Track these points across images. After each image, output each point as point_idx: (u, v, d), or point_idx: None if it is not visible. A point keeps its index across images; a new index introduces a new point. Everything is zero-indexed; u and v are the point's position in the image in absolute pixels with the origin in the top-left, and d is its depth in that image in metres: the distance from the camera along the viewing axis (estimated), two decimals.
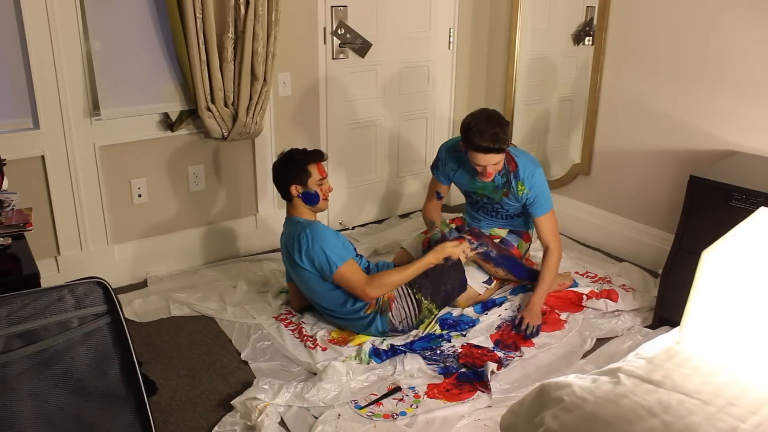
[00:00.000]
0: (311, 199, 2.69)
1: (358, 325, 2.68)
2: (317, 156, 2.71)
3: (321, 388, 2.31)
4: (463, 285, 2.82)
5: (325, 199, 2.74)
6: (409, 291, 2.68)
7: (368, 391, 2.36)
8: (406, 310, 2.66)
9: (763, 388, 1.64)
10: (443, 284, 2.74)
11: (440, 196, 3.13)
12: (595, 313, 2.90)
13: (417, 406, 2.30)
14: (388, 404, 2.30)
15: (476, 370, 2.47)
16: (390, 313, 2.64)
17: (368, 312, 2.64)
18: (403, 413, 2.26)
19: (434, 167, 3.06)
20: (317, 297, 2.69)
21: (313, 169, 2.68)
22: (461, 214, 3.27)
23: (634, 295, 3.01)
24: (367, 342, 2.63)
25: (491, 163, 2.67)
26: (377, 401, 2.31)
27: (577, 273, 3.23)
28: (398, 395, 2.35)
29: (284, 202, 3.53)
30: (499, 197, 2.92)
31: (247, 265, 3.29)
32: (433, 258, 2.69)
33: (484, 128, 2.61)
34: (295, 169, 2.68)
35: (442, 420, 2.24)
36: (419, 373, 2.46)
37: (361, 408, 2.27)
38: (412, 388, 2.38)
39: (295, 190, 2.68)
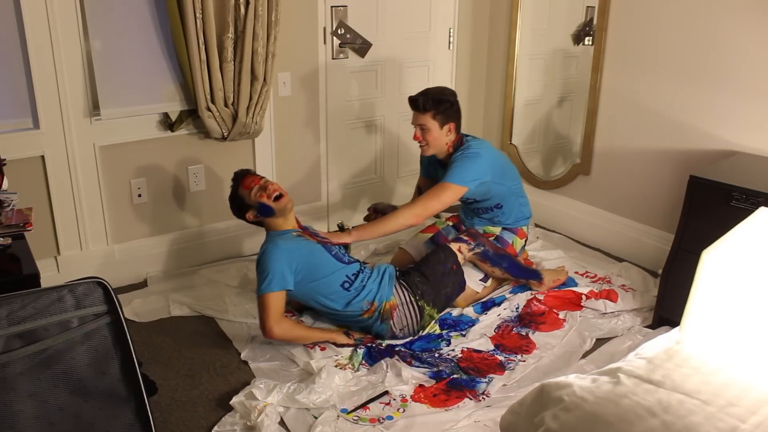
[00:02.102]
0: (267, 211, 2.62)
1: (357, 327, 2.68)
2: (238, 178, 2.69)
3: (312, 390, 2.30)
4: (461, 287, 2.82)
5: (277, 199, 2.61)
6: (412, 298, 2.66)
7: (357, 396, 2.34)
8: (409, 318, 2.65)
9: (763, 388, 1.64)
10: (443, 288, 2.73)
11: (421, 192, 3.17)
12: (595, 313, 2.89)
13: (404, 410, 2.28)
14: (375, 408, 2.28)
15: (476, 380, 2.44)
16: (392, 321, 2.62)
17: (365, 316, 2.62)
18: (390, 417, 2.24)
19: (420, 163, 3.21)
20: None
21: (243, 191, 2.64)
22: (457, 213, 3.29)
23: (633, 295, 3.01)
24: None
25: (416, 122, 2.85)
26: (364, 405, 2.29)
27: (576, 273, 3.23)
28: (385, 399, 2.32)
29: None
30: None
31: (247, 265, 3.29)
32: (342, 339, 2.61)
33: (421, 91, 2.87)
34: (235, 202, 2.70)
35: (422, 426, 2.21)
36: (409, 378, 2.43)
37: (348, 412, 2.25)
38: (401, 393, 2.36)
39: (251, 216, 2.66)
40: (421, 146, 2.90)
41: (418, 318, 2.67)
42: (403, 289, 2.67)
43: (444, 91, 2.88)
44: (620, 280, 3.17)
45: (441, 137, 2.85)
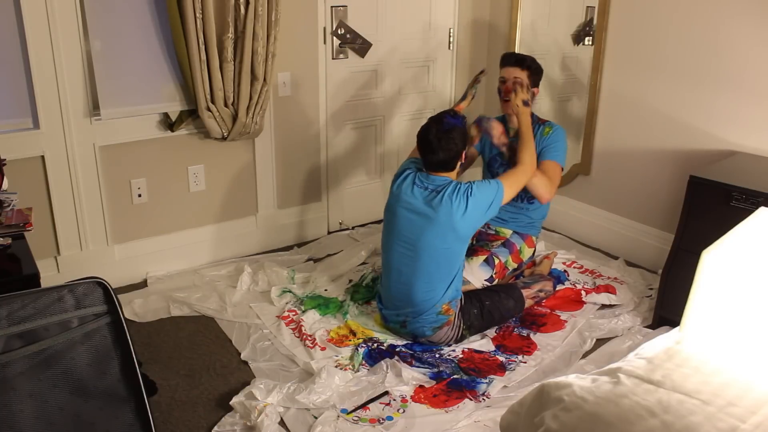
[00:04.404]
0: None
1: (423, 316, 2.60)
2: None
3: (313, 390, 2.30)
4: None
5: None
6: (462, 327, 2.64)
7: (357, 396, 2.34)
8: (446, 337, 2.63)
9: (763, 388, 1.64)
10: (492, 326, 2.75)
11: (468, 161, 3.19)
12: (596, 313, 2.90)
13: (404, 411, 2.28)
14: (375, 409, 2.28)
15: (477, 380, 2.44)
16: (439, 331, 2.61)
17: (440, 313, 2.57)
18: (390, 418, 2.24)
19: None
20: (429, 265, 2.54)
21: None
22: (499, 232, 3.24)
23: (630, 287, 3.06)
24: (362, 343, 2.65)
25: (512, 75, 2.94)
26: (364, 405, 2.29)
27: (564, 264, 3.30)
28: (385, 399, 2.32)
29: (284, 202, 3.56)
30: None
31: (247, 265, 3.29)
32: (525, 117, 2.83)
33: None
34: (465, 131, 2.59)
35: (422, 426, 2.21)
36: (410, 378, 2.43)
37: (348, 413, 2.25)
38: (401, 394, 2.36)
39: (463, 156, 2.62)
40: (507, 99, 2.95)
41: (455, 341, 2.66)
42: (459, 315, 2.63)
43: (535, 59, 3.01)
44: (610, 272, 3.23)
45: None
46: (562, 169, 2.96)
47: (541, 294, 2.90)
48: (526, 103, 2.87)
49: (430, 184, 2.57)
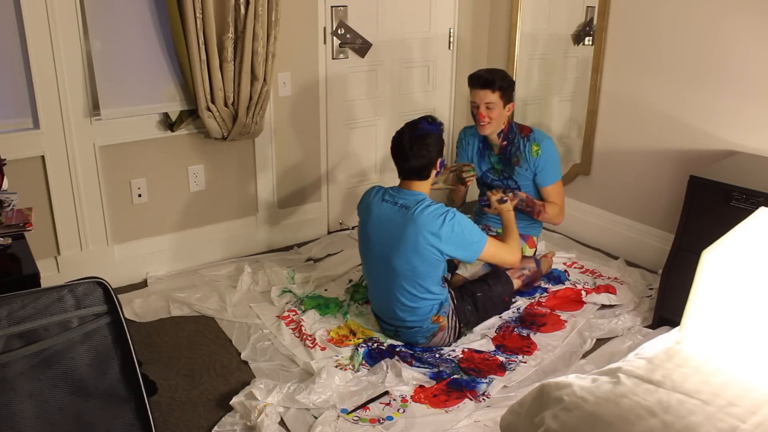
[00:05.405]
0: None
1: (414, 329, 2.60)
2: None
3: (313, 390, 2.30)
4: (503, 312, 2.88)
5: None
6: (458, 326, 2.64)
7: (357, 396, 2.34)
8: (444, 339, 2.63)
9: (763, 388, 1.64)
10: (488, 316, 2.76)
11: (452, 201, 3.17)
12: (596, 313, 2.90)
13: (404, 411, 2.27)
14: (375, 409, 2.28)
15: (477, 380, 2.44)
16: (434, 338, 2.61)
17: (433, 322, 2.57)
18: (390, 418, 2.24)
19: (457, 149, 3.19)
20: (409, 281, 2.49)
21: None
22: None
23: (630, 287, 3.07)
24: (362, 343, 2.65)
25: (483, 101, 2.84)
26: (364, 405, 2.29)
27: (564, 264, 3.30)
28: (385, 399, 2.32)
29: (284, 201, 3.56)
30: (511, 170, 2.99)
31: (247, 265, 3.29)
32: (507, 213, 2.78)
33: (481, 70, 2.92)
34: (441, 141, 2.50)
35: (422, 426, 2.21)
36: (410, 378, 2.43)
37: (348, 412, 2.25)
38: (401, 394, 2.36)
39: (438, 165, 2.51)
40: (482, 124, 2.89)
41: (453, 341, 2.66)
42: (453, 315, 2.62)
43: (504, 72, 2.93)
44: (611, 272, 3.23)
45: (502, 115, 2.90)
46: (562, 179, 3.01)
47: (526, 272, 2.90)
48: (501, 201, 2.81)
49: (400, 199, 2.49)
